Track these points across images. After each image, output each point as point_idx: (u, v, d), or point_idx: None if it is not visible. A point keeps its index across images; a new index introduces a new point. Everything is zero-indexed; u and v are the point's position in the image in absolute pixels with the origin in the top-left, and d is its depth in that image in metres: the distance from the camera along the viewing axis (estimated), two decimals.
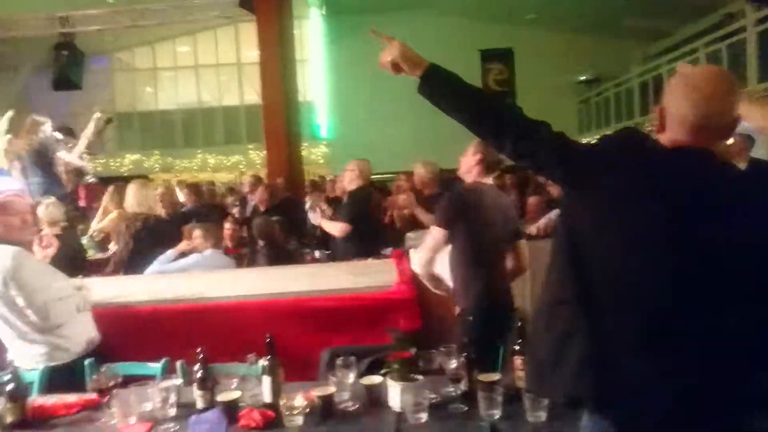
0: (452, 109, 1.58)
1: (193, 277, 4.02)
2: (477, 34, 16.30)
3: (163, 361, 2.56)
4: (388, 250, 4.54)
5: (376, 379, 2.13)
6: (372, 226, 4.73)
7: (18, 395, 2.08)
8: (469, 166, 3.03)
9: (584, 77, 17.43)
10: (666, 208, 1.35)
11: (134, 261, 5.05)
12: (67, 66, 9.98)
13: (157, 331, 3.13)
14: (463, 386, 2.07)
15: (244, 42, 19.01)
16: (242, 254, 5.60)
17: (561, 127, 1.54)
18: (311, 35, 17.15)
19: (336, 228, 4.64)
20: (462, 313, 2.93)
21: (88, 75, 11.42)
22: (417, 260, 3.07)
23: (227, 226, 5.79)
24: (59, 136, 6.67)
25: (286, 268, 4.31)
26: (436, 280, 3.06)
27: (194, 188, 6.84)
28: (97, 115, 7.01)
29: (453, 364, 2.14)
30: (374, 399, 2.09)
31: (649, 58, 15.28)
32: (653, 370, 1.33)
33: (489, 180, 3.06)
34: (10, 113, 6.71)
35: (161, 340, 3.04)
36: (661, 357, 1.33)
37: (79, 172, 7.10)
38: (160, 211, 5.29)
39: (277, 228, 5.14)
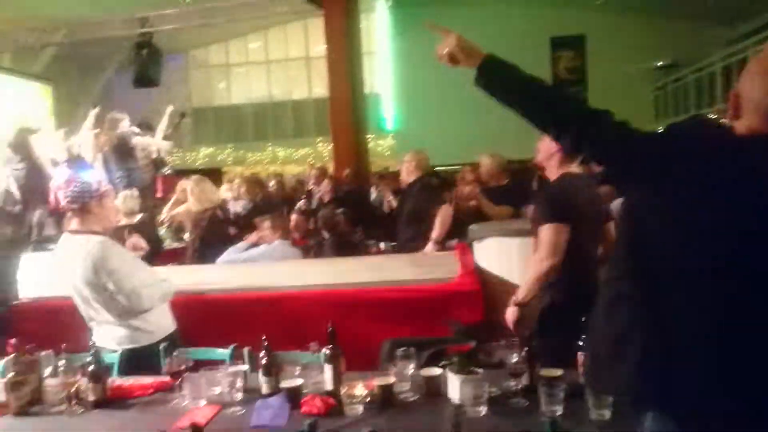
0: (509, 100, 1.55)
1: (261, 267, 4.15)
2: (546, 21, 15.86)
3: (231, 347, 2.66)
4: (453, 243, 4.52)
5: (435, 370, 2.14)
6: (434, 218, 4.72)
7: (99, 375, 2.21)
8: (549, 152, 2.79)
9: (661, 63, 16.61)
10: (738, 199, 1.28)
11: (204, 251, 5.30)
12: (146, 64, 10.47)
13: (227, 318, 3.26)
14: (524, 381, 2.05)
15: (313, 36, 19.30)
16: (309, 245, 5.74)
17: (636, 116, 1.48)
18: (378, 28, 17.20)
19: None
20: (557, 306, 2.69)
21: (166, 72, 11.91)
22: (538, 268, 2.62)
23: (294, 217, 5.95)
24: (137, 130, 7.03)
25: (350, 259, 4.38)
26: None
27: (260, 182, 7.05)
28: (171, 109, 7.32)
29: (514, 358, 2.11)
30: (433, 390, 2.10)
31: (733, 40, 14.38)
32: (717, 367, 1.27)
33: (574, 168, 2.81)
34: (95, 110, 7.14)
35: (230, 327, 3.17)
36: (726, 354, 1.27)
37: (157, 165, 7.44)
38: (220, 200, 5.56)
39: (342, 219, 5.22)
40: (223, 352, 2.65)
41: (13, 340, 2.78)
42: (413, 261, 4.06)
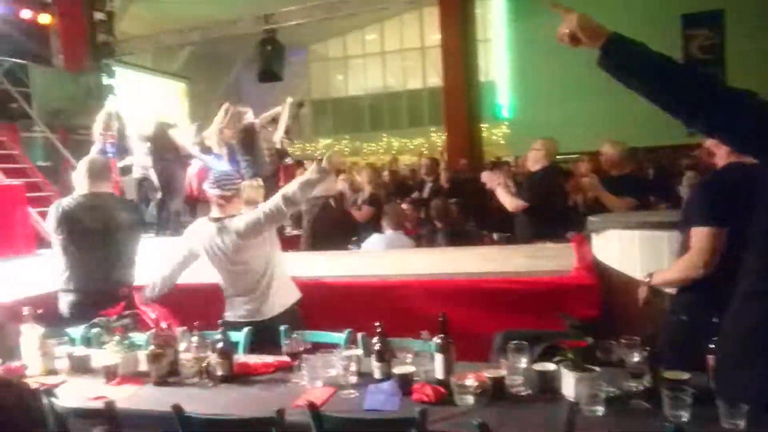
0: (636, 81, 1.46)
1: (375, 255, 4.25)
2: None
3: (346, 332, 2.75)
4: (570, 234, 4.36)
5: (549, 366, 2.08)
6: (554, 209, 4.57)
7: (227, 353, 2.39)
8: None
9: None
10: None
11: (317, 239, 5.53)
12: (271, 59, 11.01)
13: (342, 304, 3.38)
14: (645, 382, 1.94)
15: (429, 26, 19.31)
16: (421, 235, 5.78)
17: None
18: (493, 14, 16.81)
19: (511, 202, 4.54)
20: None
21: (288, 67, 12.48)
22: (685, 273, 2.37)
23: (405, 207, 6.01)
24: (259, 122, 7.45)
25: (462, 249, 4.36)
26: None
27: (377, 172, 7.17)
28: (289, 100, 7.64)
29: (635, 357, 2.00)
30: (547, 386, 2.04)
31: None
32: None
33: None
34: (225, 105, 7.65)
35: (345, 312, 3.28)
36: None
37: (280, 155, 7.81)
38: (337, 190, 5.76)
39: (455, 209, 5.20)
40: (338, 336, 2.75)
41: (153, 315, 3.08)
42: (527, 252, 3.97)
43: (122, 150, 7.21)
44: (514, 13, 16.78)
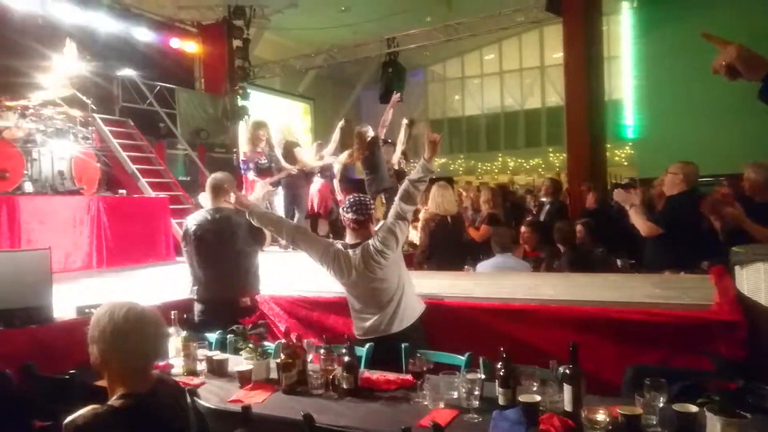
0: None
1: (496, 277, 4.19)
2: None
3: (467, 355, 2.74)
4: (706, 265, 4.05)
5: (691, 407, 1.94)
6: (689, 236, 4.26)
7: (352, 367, 2.46)
8: None
9: None
10: None
11: (431, 257, 5.54)
12: (392, 81, 11.30)
13: (463, 324, 3.36)
14: None
15: (549, 45, 18.94)
16: (540, 258, 5.62)
17: None
18: (620, 31, 16.10)
19: (645, 226, 4.29)
20: None
21: (407, 87, 12.73)
22: None
23: (524, 229, 5.88)
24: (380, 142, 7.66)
25: (588, 274, 4.18)
26: None
27: (501, 191, 7.07)
28: (405, 121, 7.77)
29: None
30: (687, 429, 1.90)
31: None
32: None
33: None
34: (341, 122, 8.01)
35: (465, 333, 3.26)
36: None
37: (399, 176, 7.95)
38: (456, 210, 5.73)
39: (581, 233, 5.01)
40: (459, 359, 2.74)
41: (282, 327, 3.24)
42: (659, 281, 3.73)
43: (271, 161, 7.51)
44: (640, 28, 15.94)
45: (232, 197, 3.48)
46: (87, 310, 3.28)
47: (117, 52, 9.19)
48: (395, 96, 7.62)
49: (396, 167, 7.70)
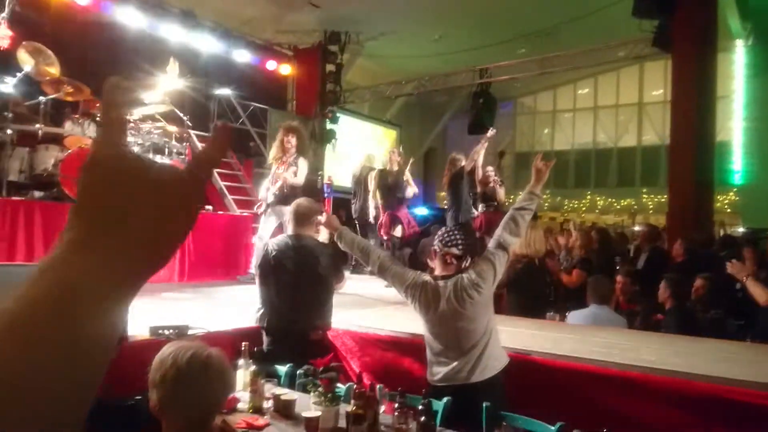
0: None
1: (586, 332, 3.83)
2: None
3: (557, 426, 2.43)
4: None
5: None
6: None
7: (430, 428, 2.22)
8: None
9: None
10: None
11: (512, 301, 5.18)
12: (482, 112, 11.08)
13: (548, 384, 3.04)
14: None
15: (648, 81, 18.11)
16: (634, 312, 5.15)
17: None
18: (731, 70, 15.18)
19: (765, 296, 3.82)
20: None
21: (495, 118, 12.47)
22: None
23: (620, 278, 5.43)
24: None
25: (697, 340, 3.71)
26: None
27: (589, 234, 6.63)
28: (490, 133, 7.58)
29: None
30: None
31: None
32: None
33: None
34: (394, 150, 7.95)
35: (551, 395, 2.95)
36: None
37: (485, 198, 7.71)
38: (544, 251, 5.37)
39: (702, 288, 4.47)
40: (549, 429, 2.44)
41: (354, 364, 3.05)
42: None
43: None
44: (754, 67, 14.97)
45: (323, 217, 3.38)
46: (160, 331, 3.24)
47: (216, 72, 9.53)
48: (491, 131, 7.50)
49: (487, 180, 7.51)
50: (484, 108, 11.07)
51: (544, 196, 20.94)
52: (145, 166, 0.48)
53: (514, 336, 3.55)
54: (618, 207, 20.07)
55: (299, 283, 3.53)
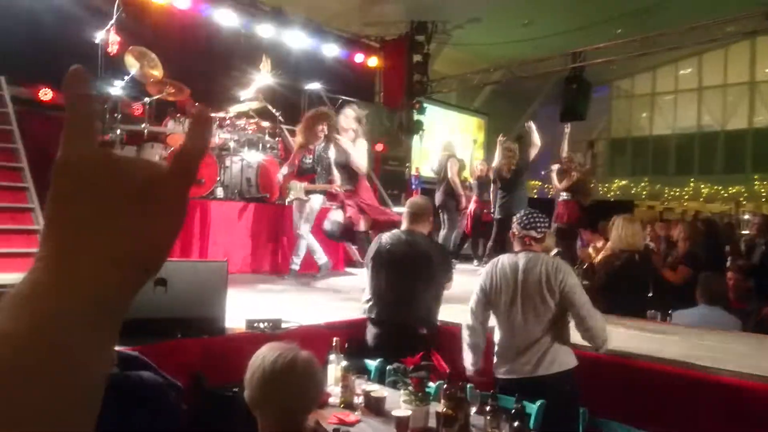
0: None
1: (692, 333, 3.58)
2: None
3: None
4: None
5: None
6: None
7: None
8: None
9: None
10: None
11: (607, 297, 4.91)
12: (575, 98, 10.62)
13: (640, 391, 2.87)
14: None
15: (762, 58, 16.69)
16: (748, 312, 4.77)
17: None
18: None
19: None
20: None
21: (589, 103, 11.92)
22: None
23: (730, 275, 5.05)
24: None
25: None
26: None
27: (695, 227, 6.20)
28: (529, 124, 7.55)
29: None
30: None
31: None
32: None
33: None
34: (501, 138, 7.81)
35: (649, 400, 2.78)
36: None
37: (567, 190, 7.49)
38: (643, 245, 5.07)
39: None
40: None
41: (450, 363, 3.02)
42: None
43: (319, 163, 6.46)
44: None
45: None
46: (255, 324, 3.35)
47: (305, 67, 9.73)
48: (567, 128, 7.42)
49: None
50: (577, 93, 10.59)
51: (642, 184, 19.88)
52: (121, 165, 0.43)
53: (610, 336, 3.38)
54: (725, 195, 18.70)
55: (410, 278, 3.56)
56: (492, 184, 7.87)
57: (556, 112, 11.85)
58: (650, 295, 5.12)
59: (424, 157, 12.02)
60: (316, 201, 5.91)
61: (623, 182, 20.18)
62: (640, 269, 5.06)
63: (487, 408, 2.30)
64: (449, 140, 8.88)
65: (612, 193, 19.85)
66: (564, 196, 7.40)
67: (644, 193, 19.76)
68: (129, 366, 1.89)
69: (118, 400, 1.70)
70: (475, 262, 8.37)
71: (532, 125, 7.55)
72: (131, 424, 1.66)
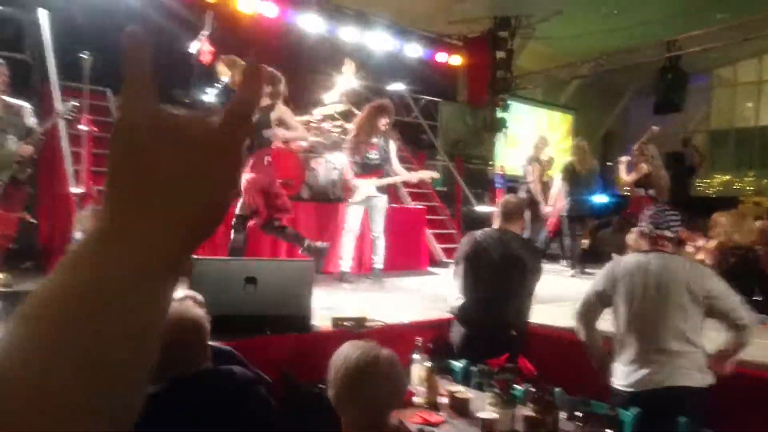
0: None
1: None
2: None
3: None
4: None
5: None
6: None
7: None
8: None
9: None
10: None
11: None
12: (670, 89, 10.08)
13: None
14: None
15: None
16: None
17: None
18: None
19: None
20: None
21: (686, 94, 11.25)
22: None
23: None
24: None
25: None
26: None
27: None
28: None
29: None
30: None
31: None
32: None
33: None
34: (578, 141, 7.60)
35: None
36: None
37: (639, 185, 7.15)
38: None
39: None
40: None
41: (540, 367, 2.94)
42: None
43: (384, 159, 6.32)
44: None
45: None
46: (340, 322, 3.40)
47: (389, 68, 9.80)
48: (653, 129, 7.12)
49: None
50: (674, 85, 10.02)
51: (747, 178, 18.50)
52: (175, 124, 0.43)
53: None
54: None
55: (502, 278, 3.51)
56: (565, 182, 7.58)
57: (649, 104, 11.28)
58: (758, 298, 4.75)
59: (509, 155, 11.79)
60: (384, 198, 5.91)
61: (726, 177, 18.87)
62: (748, 270, 4.71)
63: (578, 413, 2.21)
64: (543, 135, 8.65)
65: (713, 189, 18.61)
66: (636, 191, 7.05)
67: (750, 188, 18.38)
68: (220, 360, 1.97)
69: (210, 392, 1.78)
70: (563, 262, 8.13)
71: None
72: (223, 416, 1.73)
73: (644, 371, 2.68)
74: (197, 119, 0.45)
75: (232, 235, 4.93)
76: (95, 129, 5.06)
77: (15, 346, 0.35)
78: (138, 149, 0.42)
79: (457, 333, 3.56)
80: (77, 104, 4.84)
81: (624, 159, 7.34)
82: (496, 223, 3.66)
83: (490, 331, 3.38)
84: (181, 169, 0.42)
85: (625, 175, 7.16)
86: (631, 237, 4.31)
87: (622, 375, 2.76)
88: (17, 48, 6.47)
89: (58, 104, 5.29)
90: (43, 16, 6.08)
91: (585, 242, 7.49)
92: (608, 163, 11.87)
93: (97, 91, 5.20)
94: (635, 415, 2.45)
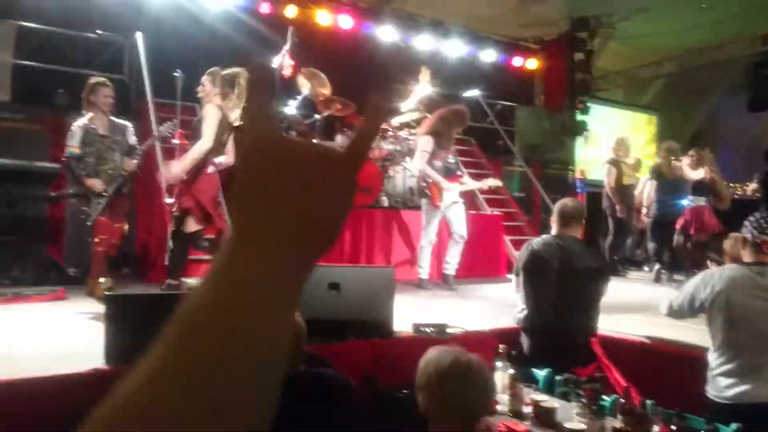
0: None
1: None
2: None
3: None
4: None
5: None
6: None
7: None
8: None
9: None
10: None
11: None
12: (764, 85, 9.47)
13: None
14: None
15: None
16: None
17: None
18: None
19: None
20: None
21: None
22: None
23: None
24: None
25: None
26: None
27: None
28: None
29: None
30: None
31: None
32: None
33: None
34: (667, 144, 7.23)
35: None
36: None
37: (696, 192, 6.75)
38: None
39: None
40: None
41: (619, 377, 2.85)
42: None
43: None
44: None
45: None
46: (422, 329, 3.43)
47: (464, 75, 9.77)
48: None
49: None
50: None
51: None
52: (300, 149, 0.47)
53: None
54: None
55: (565, 285, 3.43)
56: (653, 185, 7.24)
57: (741, 101, 10.65)
58: None
59: (591, 159, 11.43)
60: (461, 203, 5.94)
61: None
62: None
63: (673, 427, 2.13)
64: (620, 137, 8.32)
65: None
66: (696, 201, 6.64)
67: None
68: (310, 363, 2.04)
69: (301, 393, 1.85)
70: (645, 268, 7.81)
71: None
72: (315, 416, 1.79)
73: (747, 386, 2.54)
74: (319, 146, 0.49)
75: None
76: (186, 142, 5.34)
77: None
78: (264, 169, 0.45)
79: (524, 343, 3.50)
80: (175, 124, 5.12)
81: (686, 159, 7.02)
82: (554, 229, 3.56)
83: (556, 340, 3.30)
84: (304, 192, 0.45)
85: (691, 173, 6.82)
86: (728, 243, 4.08)
87: (722, 387, 2.63)
88: (116, 69, 6.95)
89: (156, 124, 5.63)
90: (140, 39, 6.51)
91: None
92: None
93: (187, 107, 5.49)
94: (736, 429, 2.33)
